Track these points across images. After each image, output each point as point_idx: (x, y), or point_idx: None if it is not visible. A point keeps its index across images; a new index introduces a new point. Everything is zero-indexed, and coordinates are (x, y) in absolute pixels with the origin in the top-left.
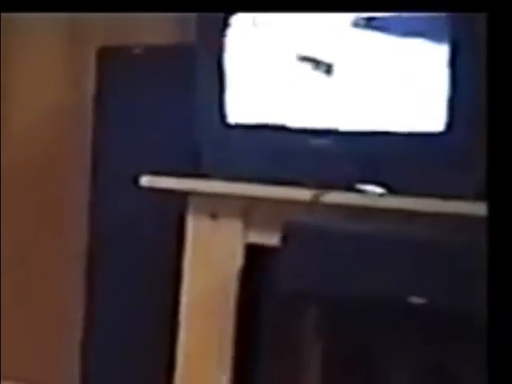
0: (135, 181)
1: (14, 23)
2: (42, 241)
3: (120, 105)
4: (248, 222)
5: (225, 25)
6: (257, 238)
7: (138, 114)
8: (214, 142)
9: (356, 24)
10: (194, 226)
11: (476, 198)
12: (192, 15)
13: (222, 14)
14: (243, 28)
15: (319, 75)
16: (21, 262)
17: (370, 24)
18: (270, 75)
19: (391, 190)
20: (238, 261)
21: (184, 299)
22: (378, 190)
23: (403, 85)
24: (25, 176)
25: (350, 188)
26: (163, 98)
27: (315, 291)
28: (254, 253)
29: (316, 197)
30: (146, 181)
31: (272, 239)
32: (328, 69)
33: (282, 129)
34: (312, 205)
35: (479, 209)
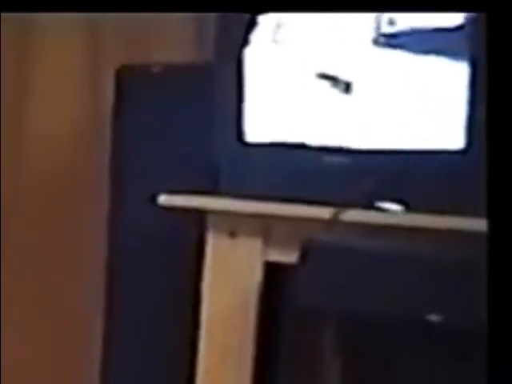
0: (153, 199)
1: (33, 36)
2: (60, 255)
3: (139, 122)
4: (267, 240)
5: (244, 42)
6: (276, 255)
7: (157, 131)
8: (232, 160)
9: (375, 42)
10: (213, 245)
11: None
12: (211, 33)
13: (241, 33)
14: (262, 45)
15: (338, 93)
16: (38, 275)
17: (389, 42)
18: (288, 93)
19: (410, 208)
20: (257, 278)
21: (204, 317)
22: (397, 207)
23: (422, 103)
24: (43, 191)
25: (369, 206)
26: (182, 117)
27: (334, 309)
28: (273, 270)
29: (335, 215)
30: (163, 199)
31: (291, 257)
32: (347, 87)
33: (300, 147)
34: (331, 223)
35: None
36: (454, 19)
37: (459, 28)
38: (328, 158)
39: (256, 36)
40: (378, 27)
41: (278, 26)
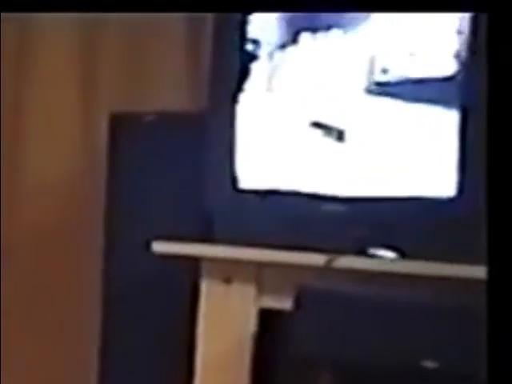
0: (147, 246)
1: (27, 82)
2: (54, 302)
3: (132, 170)
4: (261, 286)
5: (237, 90)
6: (270, 302)
7: (150, 179)
8: (226, 206)
9: (368, 90)
10: (208, 291)
11: None
12: (204, 81)
13: (234, 81)
14: (256, 93)
15: (331, 141)
16: (32, 322)
17: (382, 90)
18: (282, 140)
19: (403, 255)
20: (252, 325)
21: (198, 363)
22: (391, 254)
23: (414, 150)
24: (36, 238)
25: (363, 253)
26: (175, 164)
27: (329, 355)
28: (267, 317)
29: (329, 262)
30: (157, 246)
31: (285, 303)
32: (339, 135)
33: (293, 194)
34: (325, 269)
35: None
36: (445, 69)
37: (451, 78)
38: (321, 206)
39: (249, 84)
40: (371, 75)
41: (271, 74)
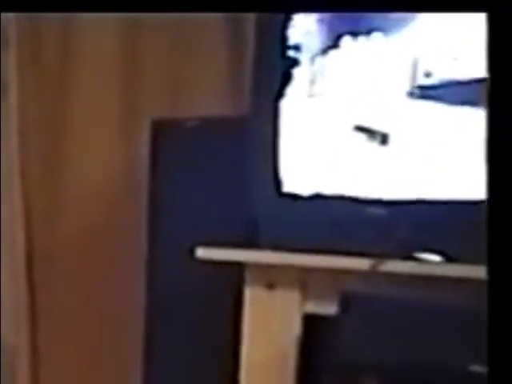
0: (191, 252)
1: (68, 89)
2: (98, 309)
3: (175, 176)
4: (305, 292)
5: (279, 95)
6: (314, 307)
7: (194, 184)
8: (270, 211)
9: (411, 94)
10: (251, 297)
11: None
12: (246, 86)
13: (276, 86)
14: (298, 98)
15: (374, 145)
16: (77, 328)
17: (425, 93)
18: (325, 144)
19: (449, 258)
20: (296, 331)
21: (242, 369)
22: (436, 258)
23: (457, 153)
24: (79, 246)
25: (408, 256)
26: (217, 170)
27: (374, 360)
28: (311, 322)
29: (374, 266)
30: (201, 252)
31: (329, 309)
32: (383, 139)
33: (337, 198)
34: (370, 274)
35: None
36: None
37: None
38: (365, 209)
39: (291, 89)
40: (414, 79)
41: (313, 79)
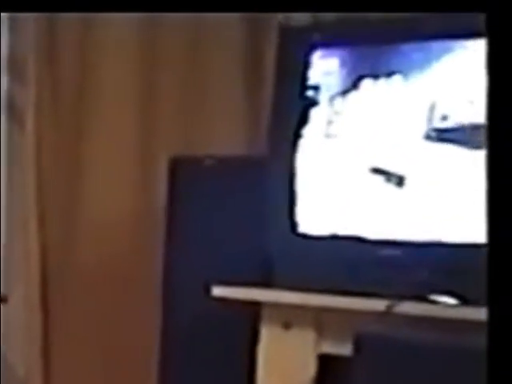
0: (207, 290)
1: (87, 123)
2: (113, 344)
3: (192, 214)
4: (320, 331)
5: (296, 136)
6: (329, 347)
7: (210, 223)
8: (286, 251)
9: (427, 136)
10: (267, 336)
11: None
12: (264, 126)
13: (294, 126)
14: (315, 139)
15: (390, 187)
16: (89, 361)
17: (441, 136)
18: (341, 186)
19: (465, 301)
20: (311, 371)
21: None
22: (451, 300)
23: (474, 196)
24: (94, 281)
25: (423, 298)
26: (235, 208)
27: None
28: (326, 363)
29: (389, 307)
30: (217, 291)
31: (345, 349)
32: (399, 181)
33: (353, 239)
34: (385, 315)
35: None
36: None
37: None
38: (381, 250)
39: (308, 130)
40: (431, 122)
41: (331, 120)
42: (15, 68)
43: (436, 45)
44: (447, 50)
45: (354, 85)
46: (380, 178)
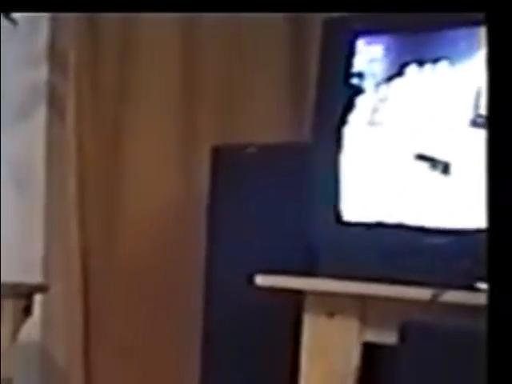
0: (250, 279)
1: (128, 113)
2: (156, 331)
3: (234, 203)
4: (365, 320)
5: (341, 123)
6: (373, 336)
7: (253, 212)
8: (330, 239)
9: (473, 122)
10: (311, 325)
11: None
12: (307, 113)
13: (339, 113)
14: (359, 126)
15: (436, 174)
16: (131, 352)
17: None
18: (386, 173)
19: None
20: (355, 360)
21: None
22: None
23: None
24: (136, 271)
25: (469, 286)
26: (277, 197)
27: None
28: (370, 352)
29: (435, 296)
30: (261, 280)
31: (389, 338)
32: (445, 168)
33: (398, 227)
34: (430, 304)
35: None
36: None
37: None
38: (426, 238)
39: (353, 117)
40: (477, 108)
41: (376, 108)
42: (56, 59)
43: (482, 30)
44: None
45: (399, 71)
46: (425, 165)
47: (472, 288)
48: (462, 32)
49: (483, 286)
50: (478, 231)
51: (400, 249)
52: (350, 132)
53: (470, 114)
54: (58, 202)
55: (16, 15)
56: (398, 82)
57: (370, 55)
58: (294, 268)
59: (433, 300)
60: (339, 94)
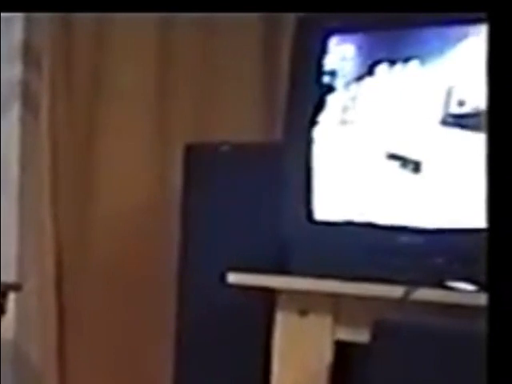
0: (222, 277)
1: (101, 111)
2: (129, 328)
3: (207, 201)
4: (337, 318)
5: (312, 122)
6: (346, 334)
7: (225, 210)
8: (301, 238)
9: (444, 122)
10: (283, 323)
11: None
12: (279, 113)
13: (309, 114)
14: (330, 126)
15: (407, 173)
16: (104, 348)
17: (457, 122)
18: (357, 172)
19: (482, 287)
20: (327, 357)
21: None
22: (469, 287)
23: None
24: (109, 269)
25: (441, 285)
26: (250, 195)
27: None
28: (343, 349)
29: (406, 294)
30: (233, 278)
31: (361, 336)
32: (416, 166)
33: (369, 226)
34: (402, 302)
35: None
36: None
37: None
38: (398, 237)
39: (324, 117)
40: (447, 107)
41: (347, 106)
42: (30, 57)
43: (452, 30)
44: (464, 36)
45: (370, 70)
46: (396, 164)
47: (443, 286)
48: (431, 31)
49: (455, 284)
50: (449, 230)
51: (372, 247)
52: (321, 131)
53: (440, 113)
54: (32, 199)
55: None
56: (368, 80)
57: (341, 54)
58: (267, 266)
59: (404, 298)
60: (311, 92)
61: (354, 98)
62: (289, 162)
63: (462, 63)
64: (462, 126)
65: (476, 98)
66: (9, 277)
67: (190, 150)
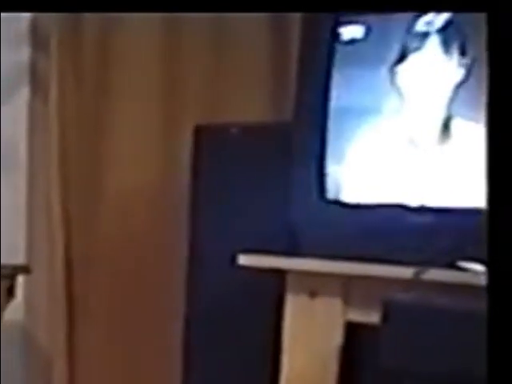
0: (232, 259)
1: (110, 94)
2: (138, 313)
3: (217, 182)
4: (347, 299)
5: (324, 101)
6: (356, 315)
7: (235, 191)
8: (312, 219)
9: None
10: (293, 304)
11: None
12: (289, 93)
13: (320, 93)
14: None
15: (417, 152)
16: (113, 329)
17: None
18: (370, 152)
19: None
20: (338, 339)
21: (283, 378)
22: (479, 267)
23: None
24: (119, 250)
25: (452, 265)
26: (260, 176)
27: (416, 369)
28: (353, 331)
29: (417, 274)
30: (243, 259)
31: (372, 317)
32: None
33: (381, 206)
34: (413, 282)
35: None
36: None
37: None
38: (409, 217)
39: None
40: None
41: None
42: (38, 40)
43: None
44: None
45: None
46: (406, 144)
47: (455, 267)
48: None
49: (465, 264)
50: (460, 210)
51: (382, 228)
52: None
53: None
54: (40, 182)
55: None
56: None
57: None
58: (278, 248)
59: (415, 279)
60: (321, 74)
61: None
62: (299, 141)
63: None
64: None
65: None
66: (18, 260)
67: (200, 132)
